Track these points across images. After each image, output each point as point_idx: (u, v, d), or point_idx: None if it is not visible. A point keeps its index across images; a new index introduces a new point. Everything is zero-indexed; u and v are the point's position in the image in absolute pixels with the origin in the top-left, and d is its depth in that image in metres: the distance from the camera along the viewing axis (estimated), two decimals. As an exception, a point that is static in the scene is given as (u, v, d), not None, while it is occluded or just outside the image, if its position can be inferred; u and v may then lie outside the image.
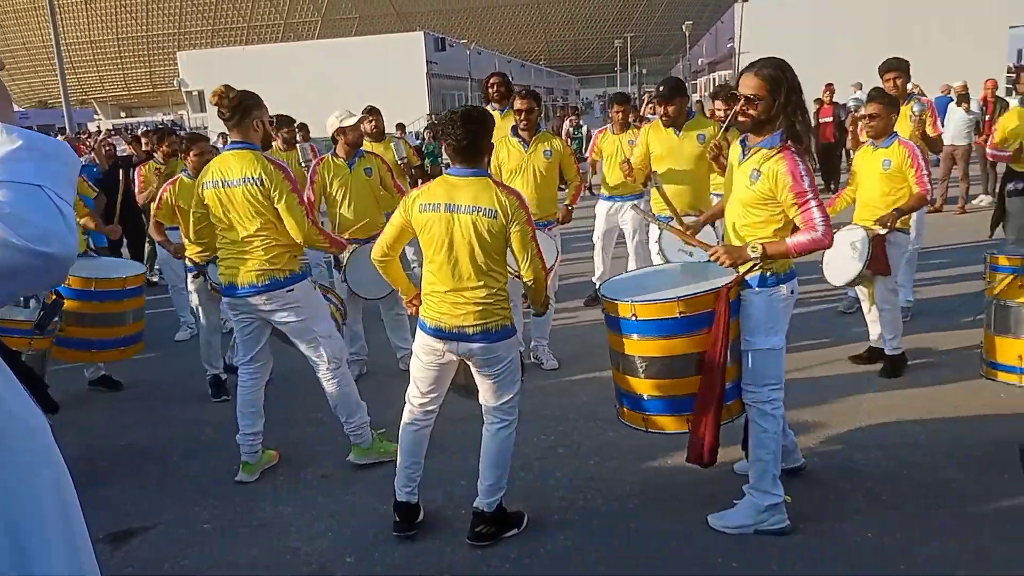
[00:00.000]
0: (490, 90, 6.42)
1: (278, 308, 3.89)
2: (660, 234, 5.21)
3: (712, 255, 3.17)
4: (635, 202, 6.56)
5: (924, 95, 6.98)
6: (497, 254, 3.18)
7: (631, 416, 3.38)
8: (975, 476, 3.62)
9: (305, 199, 5.39)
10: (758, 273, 3.13)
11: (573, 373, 5.41)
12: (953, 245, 8.43)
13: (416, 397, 3.42)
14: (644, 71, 75.20)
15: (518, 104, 5.47)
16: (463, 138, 3.13)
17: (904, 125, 5.49)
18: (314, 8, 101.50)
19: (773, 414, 3.20)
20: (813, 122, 12.97)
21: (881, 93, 5.09)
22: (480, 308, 3.18)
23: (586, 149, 15.30)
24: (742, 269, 3.14)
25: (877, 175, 4.84)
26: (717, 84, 42.80)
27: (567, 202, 5.72)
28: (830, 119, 12.31)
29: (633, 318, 3.15)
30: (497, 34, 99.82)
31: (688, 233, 3.65)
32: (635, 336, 3.19)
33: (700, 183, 5.45)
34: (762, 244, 3.04)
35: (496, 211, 3.10)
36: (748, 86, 3.06)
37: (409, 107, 34.55)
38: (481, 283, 3.16)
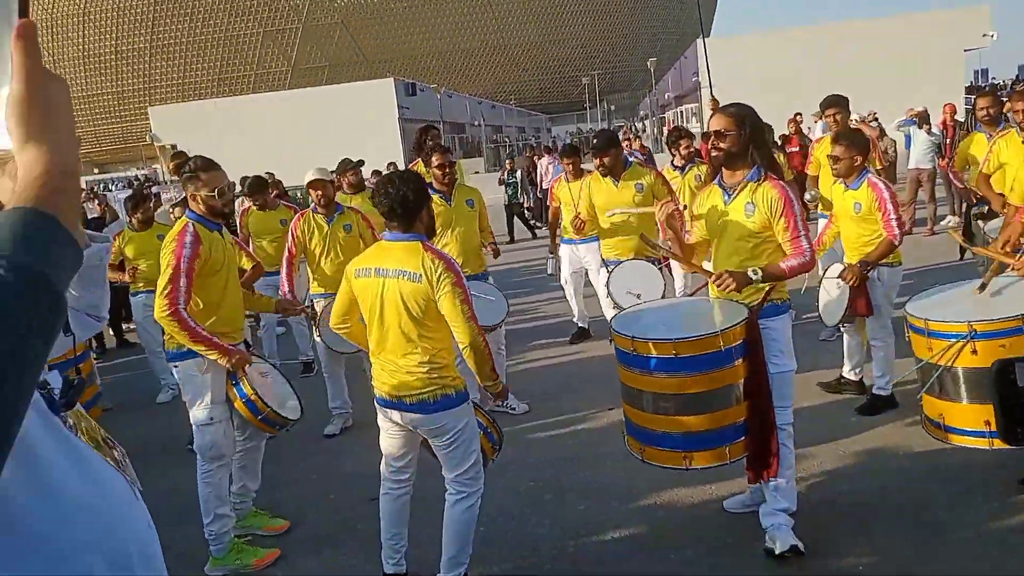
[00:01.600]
0: (429, 142, 6.16)
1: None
2: (608, 277, 5.32)
3: (718, 281, 3.24)
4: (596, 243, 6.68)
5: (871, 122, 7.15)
6: (430, 320, 3.06)
7: (669, 457, 3.23)
8: (961, 503, 3.64)
9: (285, 252, 5.43)
10: (776, 302, 3.31)
11: (557, 415, 5.39)
12: (924, 267, 8.58)
13: (386, 466, 3.37)
14: (613, 107, 76.43)
15: (437, 160, 5.38)
16: (395, 202, 3.08)
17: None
18: (284, 58, 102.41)
19: (791, 433, 3.37)
20: (781, 155, 13.26)
21: (845, 134, 4.99)
22: (414, 377, 3.08)
23: (520, 193, 15.63)
24: (746, 297, 3.29)
25: (849, 217, 4.80)
26: (681, 119, 43.66)
27: (488, 240, 5.69)
28: (797, 149, 12.54)
29: (675, 355, 3.08)
30: (466, 76, 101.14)
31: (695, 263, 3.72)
32: (664, 375, 3.12)
33: (647, 229, 5.42)
34: (761, 268, 3.22)
35: (420, 275, 3.01)
36: (717, 123, 3.31)
37: (383, 153, 34.74)
38: (413, 350, 3.06)
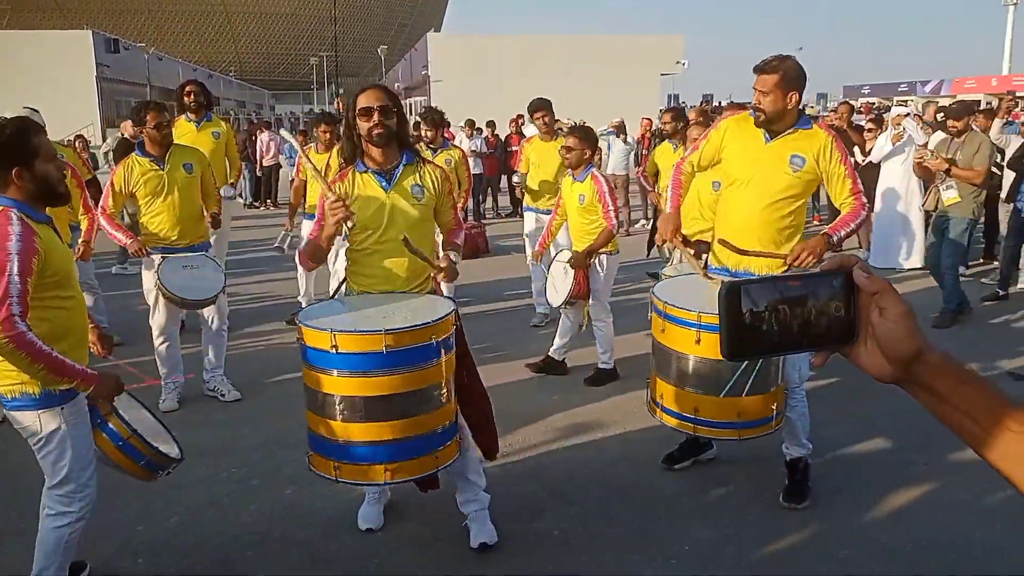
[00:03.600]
0: (186, 99, 6.03)
1: None
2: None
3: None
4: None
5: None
6: None
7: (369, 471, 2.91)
8: (646, 473, 4.06)
9: None
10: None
11: (256, 403, 5.12)
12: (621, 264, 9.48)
13: None
14: (342, 91, 75.05)
15: (152, 119, 4.77)
16: None
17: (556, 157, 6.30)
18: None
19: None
20: (501, 151, 13.92)
21: (579, 128, 5.51)
22: None
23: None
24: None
25: (575, 208, 5.20)
26: (421, 109, 43.99)
27: (213, 210, 5.30)
28: (517, 148, 13.21)
29: (333, 350, 2.78)
30: (180, 40, 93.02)
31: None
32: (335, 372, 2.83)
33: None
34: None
35: None
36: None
37: (77, 112, 30.80)
38: None
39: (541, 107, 6.68)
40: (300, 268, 6.75)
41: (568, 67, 36.82)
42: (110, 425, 2.75)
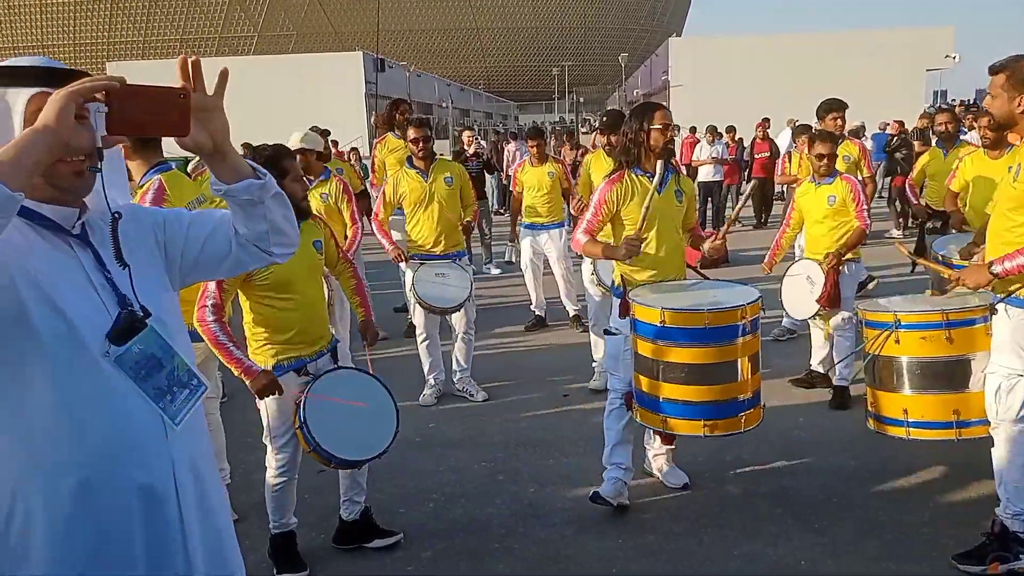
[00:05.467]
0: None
1: None
2: (594, 261, 5.31)
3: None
4: (558, 230, 6.84)
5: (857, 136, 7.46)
6: None
7: (648, 417, 3.48)
8: (896, 503, 3.76)
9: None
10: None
11: (510, 399, 5.41)
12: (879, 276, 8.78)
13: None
14: (582, 100, 76.64)
15: (413, 133, 5.26)
16: None
17: (840, 164, 5.84)
18: (250, 23, 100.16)
19: None
20: (748, 157, 13.46)
21: (828, 134, 5.31)
22: None
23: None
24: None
25: (823, 211, 5.02)
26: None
27: (467, 218, 5.56)
28: (767, 154, 12.72)
29: (662, 324, 3.29)
30: (436, 57, 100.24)
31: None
32: (661, 342, 3.32)
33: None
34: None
35: None
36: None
37: (348, 128, 34.28)
38: None
39: (834, 108, 6.41)
40: (528, 280, 7.10)
41: (818, 65, 34.58)
42: (299, 412, 3.14)
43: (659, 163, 3.57)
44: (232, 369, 3.12)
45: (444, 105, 53.38)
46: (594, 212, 3.72)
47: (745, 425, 3.38)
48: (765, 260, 5.42)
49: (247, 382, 3.13)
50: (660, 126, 3.63)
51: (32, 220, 1.49)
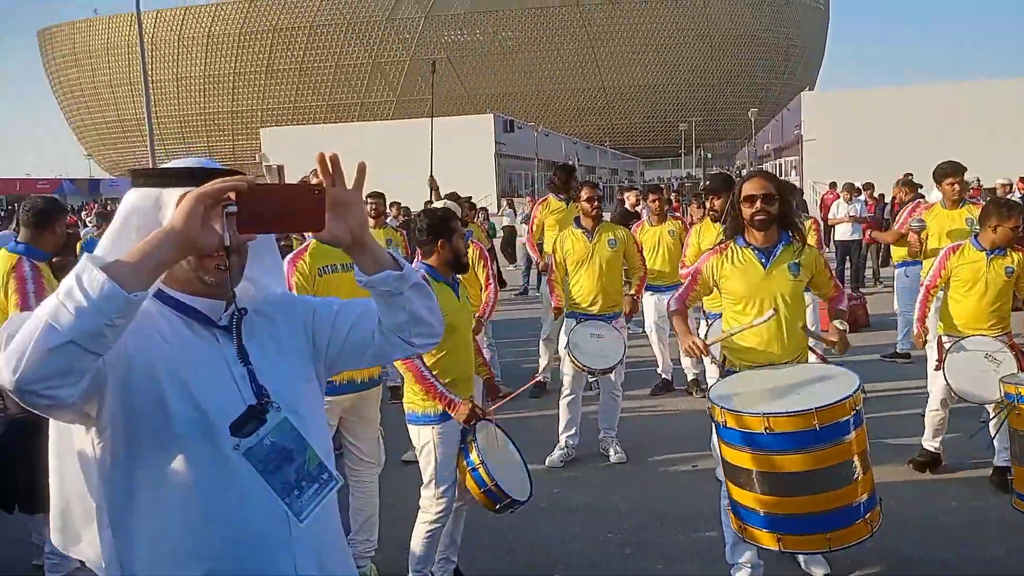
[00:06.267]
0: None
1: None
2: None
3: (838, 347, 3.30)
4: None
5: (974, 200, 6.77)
6: None
7: (759, 535, 3.05)
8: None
9: None
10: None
11: (638, 466, 5.31)
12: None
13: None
14: (709, 155, 75.78)
15: (586, 194, 5.48)
16: (417, 230, 3.53)
17: (961, 228, 5.61)
18: (390, 88, 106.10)
19: None
20: (889, 215, 12.82)
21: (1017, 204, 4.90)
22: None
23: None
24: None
25: (999, 282, 4.58)
26: (780, 171, 42.73)
27: (632, 292, 5.68)
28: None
29: (767, 431, 2.88)
30: (563, 116, 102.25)
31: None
32: (761, 451, 2.92)
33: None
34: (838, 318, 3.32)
35: None
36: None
37: (478, 186, 35.40)
38: None
39: (950, 173, 5.95)
40: (653, 341, 6.98)
41: (958, 118, 32.71)
42: (470, 455, 3.38)
43: (760, 234, 3.43)
44: (438, 403, 3.38)
45: (570, 163, 54.25)
46: (691, 281, 3.62)
47: (871, 528, 2.98)
48: (915, 333, 5.00)
49: (453, 414, 3.38)
50: (746, 197, 3.42)
51: (182, 312, 1.55)
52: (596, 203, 5.45)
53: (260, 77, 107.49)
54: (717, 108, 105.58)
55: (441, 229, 3.46)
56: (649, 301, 6.87)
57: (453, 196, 7.21)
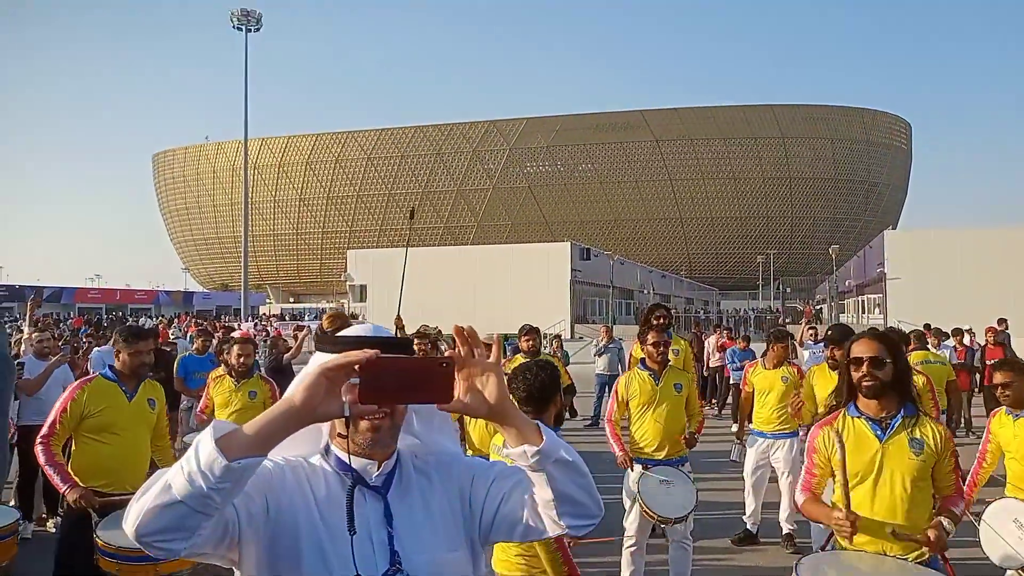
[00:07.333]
0: (653, 320, 6.23)
1: None
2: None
3: (930, 548, 2.85)
4: (789, 440, 6.42)
5: None
6: None
7: None
8: None
9: None
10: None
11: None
12: None
13: None
14: (788, 289, 74.82)
15: (653, 338, 5.38)
16: (532, 387, 3.26)
17: None
18: (472, 214, 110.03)
19: None
20: (979, 363, 12.33)
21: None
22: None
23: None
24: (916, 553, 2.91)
25: None
26: (862, 308, 41.72)
27: (691, 429, 5.48)
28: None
29: None
30: (639, 244, 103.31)
31: None
32: None
33: None
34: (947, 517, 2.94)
35: None
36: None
37: (552, 312, 35.73)
38: None
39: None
40: (749, 488, 6.64)
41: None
42: None
43: (873, 402, 3.03)
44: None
45: (645, 291, 54.31)
46: (808, 464, 3.18)
47: None
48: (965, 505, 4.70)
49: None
50: (853, 359, 3.03)
51: (342, 469, 1.60)
52: (663, 348, 5.36)
53: (350, 201, 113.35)
54: (796, 242, 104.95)
55: (556, 388, 3.38)
56: (754, 446, 6.62)
57: (421, 332, 7.43)
